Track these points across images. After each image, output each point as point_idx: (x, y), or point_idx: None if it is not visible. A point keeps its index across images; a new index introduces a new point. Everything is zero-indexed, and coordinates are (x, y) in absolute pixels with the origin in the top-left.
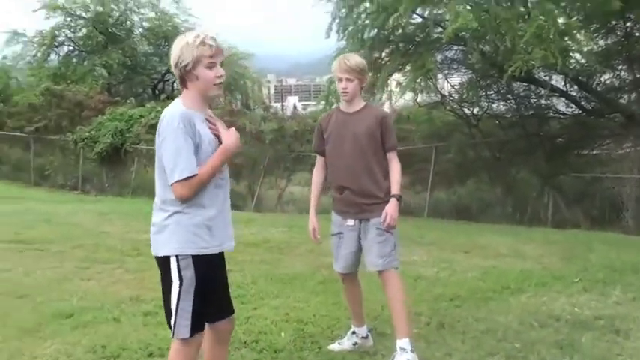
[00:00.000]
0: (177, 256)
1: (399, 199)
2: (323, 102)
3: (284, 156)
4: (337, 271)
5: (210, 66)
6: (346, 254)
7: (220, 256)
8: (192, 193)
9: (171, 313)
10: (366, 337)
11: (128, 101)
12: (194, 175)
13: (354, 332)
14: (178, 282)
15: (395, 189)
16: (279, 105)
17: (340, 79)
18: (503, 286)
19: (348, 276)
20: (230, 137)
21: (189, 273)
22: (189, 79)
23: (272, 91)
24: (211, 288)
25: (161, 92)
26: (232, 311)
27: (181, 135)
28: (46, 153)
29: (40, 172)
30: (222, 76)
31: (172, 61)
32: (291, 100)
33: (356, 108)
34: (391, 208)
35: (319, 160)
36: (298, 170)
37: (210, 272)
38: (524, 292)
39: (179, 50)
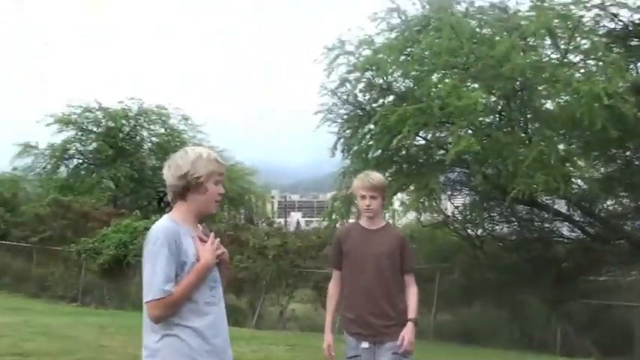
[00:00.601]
0: None
1: (416, 322)
2: (327, 219)
3: (287, 272)
4: None
5: (217, 182)
6: None
7: None
8: (164, 314)
9: None
10: None
11: (133, 213)
12: (166, 296)
13: None
14: None
15: (412, 312)
16: (282, 221)
17: (364, 197)
18: None
19: None
20: (205, 253)
21: None
22: (195, 191)
23: (276, 206)
24: None
25: (166, 205)
26: None
27: (162, 254)
28: (48, 264)
29: (40, 283)
30: (223, 194)
31: (179, 171)
32: (295, 217)
33: (377, 225)
34: (408, 332)
35: (336, 275)
36: (301, 287)
37: None
38: None
39: (190, 163)
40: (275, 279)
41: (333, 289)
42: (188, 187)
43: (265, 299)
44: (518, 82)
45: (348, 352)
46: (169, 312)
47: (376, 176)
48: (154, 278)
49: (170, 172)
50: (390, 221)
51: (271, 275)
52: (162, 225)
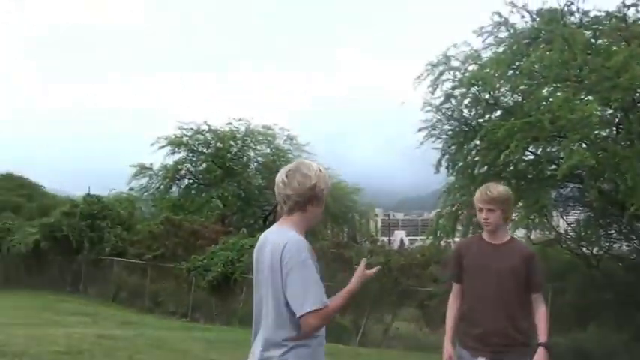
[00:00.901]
0: None
1: (546, 347)
2: (431, 237)
3: (390, 290)
4: None
5: (325, 199)
6: None
7: None
8: (321, 324)
9: None
10: None
11: (240, 232)
12: (324, 307)
13: None
14: None
15: (542, 335)
16: (386, 239)
17: (481, 210)
18: None
19: None
20: (359, 280)
21: None
22: (317, 204)
23: (379, 224)
24: None
25: (271, 223)
26: None
27: (311, 264)
28: (161, 280)
29: (153, 299)
30: None
31: (308, 182)
32: (399, 235)
33: (501, 240)
34: (540, 358)
35: (456, 288)
36: (405, 305)
37: None
38: None
39: (317, 176)
40: (379, 297)
41: (453, 302)
42: (313, 198)
43: (369, 317)
44: (637, 94)
45: None
46: (324, 323)
47: (496, 189)
48: (312, 288)
49: (296, 181)
50: None
51: (375, 293)
52: (299, 237)
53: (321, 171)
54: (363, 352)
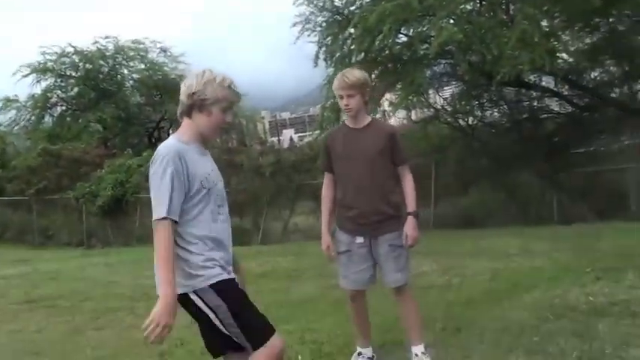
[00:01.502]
0: (195, 292)
1: (416, 215)
2: (318, 130)
3: (284, 187)
4: (346, 289)
5: (224, 110)
6: (357, 272)
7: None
8: (161, 236)
9: (224, 338)
10: (372, 359)
11: (125, 152)
12: (170, 220)
13: (359, 354)
14: (212, 313)
15: (411, 206)
16: (275, 139)
17: (341, 97)
18: (515, 284)
19: (358, 294)
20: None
21: (217, 301)
22: (199, 112)
23: (267, 126)
24: (245, 302)
25: (157, 140)
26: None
27: (169, 173)
28: (49, 213)
29: (44, 233)
30: (228, 123)
31: (189, 90)
32: (287, 134)
33: (363, 123)
34: (409, 227)
35: (328, 177)
36: (300, 200)
37: (235, 292)
38: (537, 288)
39: (202, 84)
40: (274, 196)
41: (326, 191)
42: (195, 106)
43: (267, 217)
44: None
45: (339, 247)
46: (162, 235)
47: (351, 74)
48: (160, 199)
49: (182, 89)
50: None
51: (270, 193)
52: (168, 144)
53: (214, 80)
54: (264, 249)
